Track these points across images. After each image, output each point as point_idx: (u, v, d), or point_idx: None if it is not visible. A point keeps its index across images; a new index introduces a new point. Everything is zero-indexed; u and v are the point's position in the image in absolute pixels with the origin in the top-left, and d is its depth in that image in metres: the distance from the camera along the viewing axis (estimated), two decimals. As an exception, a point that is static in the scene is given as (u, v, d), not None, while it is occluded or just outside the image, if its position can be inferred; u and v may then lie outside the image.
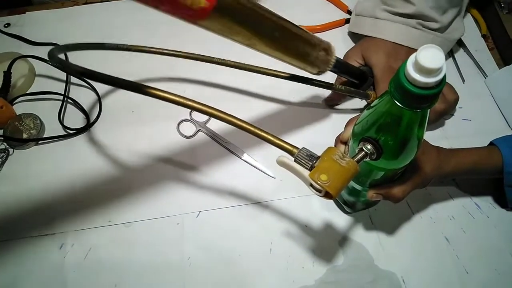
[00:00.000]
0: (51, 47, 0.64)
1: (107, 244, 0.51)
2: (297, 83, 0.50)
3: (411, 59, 0.27)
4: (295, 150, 0.35)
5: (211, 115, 0.34)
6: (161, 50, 0.52)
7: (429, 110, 0.31)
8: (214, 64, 0.53)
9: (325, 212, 0.53)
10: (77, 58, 0.63)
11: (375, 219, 0.52)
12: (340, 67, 0.49)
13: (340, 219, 0.52)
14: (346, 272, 0.49)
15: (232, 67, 0.52)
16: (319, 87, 0.52)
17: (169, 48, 0.52)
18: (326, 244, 0.51)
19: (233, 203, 0.53)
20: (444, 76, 0.28)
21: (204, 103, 0.33)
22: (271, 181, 0.55)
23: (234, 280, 0.49)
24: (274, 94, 0.61)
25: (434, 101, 0.29)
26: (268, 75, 0.52)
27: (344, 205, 0.51)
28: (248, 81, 0.62)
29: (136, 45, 0.50)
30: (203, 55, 0.53)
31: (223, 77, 0.62)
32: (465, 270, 0.49)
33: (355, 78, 0.54)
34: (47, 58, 0.59)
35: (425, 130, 0.34)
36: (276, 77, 0.51)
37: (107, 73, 0.32)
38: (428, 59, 0.26)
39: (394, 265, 0.50)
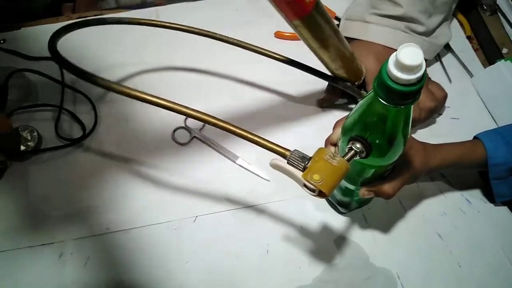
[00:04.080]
0: (46, 61, 0.65)
1: (106, 252, 0.52)
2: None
3: (392, 58, 0.29)
4: (287, 153, 0.36)
5: (203, 120, 0.36)
6: (162, 23, 0.51)
7: (412, 106, 0.33)
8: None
9: (320, 213, 0.54)
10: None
11: (369, 218, 0.53)
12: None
13: (335, 219, 0.53)
14: (343, 271, 0.50)
15: (233, 44, 0.53)
16: (314, 75, 0.54)
17: (170, 22, 0.51)
18: (322, 244, 0.52)
19: (229, 207, 0.54)
20: (424, 73, 0.29)
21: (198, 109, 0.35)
22: (266, 184, 0.56)
23: (232, 282, 0.50)
24: (267, 95, 0.63)
25: (416, 97, 0.31)
26: (268, 56, 0.53)
27: (338, 206, 0.52)
28: (244, 84, 0.63)
29: (137, 18, 0.50)
30: (208, 31, 0.52)
31: (220, 79, 0.64)
32: (458, 265, 0.50)
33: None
34: (43, 72, 0.61)
35: (410, 126, 0.35)
36: (275, 59, 0.53)
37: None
38: (408, 57, 0.28)
39: (389, 262, 0.50)
